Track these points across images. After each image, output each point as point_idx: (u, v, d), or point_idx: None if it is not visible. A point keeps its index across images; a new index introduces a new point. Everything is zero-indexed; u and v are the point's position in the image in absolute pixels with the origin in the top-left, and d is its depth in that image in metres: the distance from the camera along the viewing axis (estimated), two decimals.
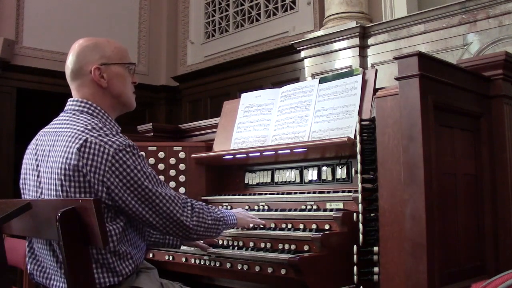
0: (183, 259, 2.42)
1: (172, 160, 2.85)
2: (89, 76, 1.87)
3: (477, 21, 4.10)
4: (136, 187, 1.72)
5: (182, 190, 2.84)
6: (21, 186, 1.93)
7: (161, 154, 2.84)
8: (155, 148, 2.84)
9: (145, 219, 1.77)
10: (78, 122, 1.78)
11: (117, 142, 1.72)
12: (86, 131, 1.73)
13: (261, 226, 2.37)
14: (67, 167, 1.69)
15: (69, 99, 1.91)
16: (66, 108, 1.90)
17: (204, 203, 1.99)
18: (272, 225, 2.36)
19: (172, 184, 2.83)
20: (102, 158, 1.68)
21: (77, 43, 1.93)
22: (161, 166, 2.82)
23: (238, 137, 2.79)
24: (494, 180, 2.15)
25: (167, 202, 1.79)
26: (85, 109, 1.84)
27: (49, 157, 1.77)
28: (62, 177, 1.69)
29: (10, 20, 6.39)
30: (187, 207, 1.86)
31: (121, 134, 1.79)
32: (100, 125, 1.77)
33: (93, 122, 1.78)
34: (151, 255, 2.53)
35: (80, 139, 1.70)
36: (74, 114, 1.84)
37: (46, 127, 1.90)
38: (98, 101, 1.87)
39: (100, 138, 1.71)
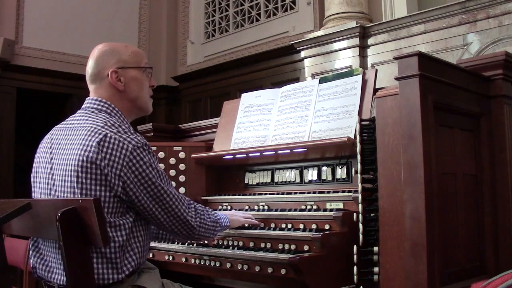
0: (183, 259, 2.42)
1: (172, 160, 2.85)
2: (106, 79, 1.92)
3: (477, 21, 4.10)
4: (150, 184, 1.78)
5: (182, 190, 2.84)
6: (31, 179, 1.96)
7: (161, 154, 2.84)
8: (155, 148, 2.84)
9: (154, 216, 1.82)
10: (97, 119, 1.83)
11: (136, 140, 1.78)
12: (106, 127, 1.78)
13: (256, 225, 2.38)
14: (85, 159, 1.73)
15: (87, 98, 1.96)
16: (84, 106, 1.94)
17: (203, 206, 2.05)
18: (272, 225, 2.36)
19: (172, 184, 2.82)
20: (120, 153, 1.74)
21: (96, 48, 1.97)
22: (161, 166, 2.82)
23: (238, 137, 2.79)
24: (494, 180, 2.15)
25: (176, 201, 1.86)
26: (104, 108, 1.90)
27: (65, 150, 1.81)
28: (79, 169, 1.73)
29: (10, 20, 6.39)
30: (191, 208, 1.94)
31: (138, 133, 1.85)
32: (118, 123, 1.83)
33: (111, 120, 1.84)
34: (151, 255, 2.53)
35: (100, 133, 1.75)
36: (92, 112, 1.89)
37: (61, 123, 1.95)
38: (116, 103, 1.92)
39: (119, 134, 1.77)
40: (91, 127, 1.79)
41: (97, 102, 1.91)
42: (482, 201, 2.13)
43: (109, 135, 1.75)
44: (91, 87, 1.96)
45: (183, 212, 1.88)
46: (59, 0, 6.75)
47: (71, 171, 1.75)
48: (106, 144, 1.73)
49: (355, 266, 1.97)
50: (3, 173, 6.18)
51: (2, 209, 1.67)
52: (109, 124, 1.80)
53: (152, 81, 2.04)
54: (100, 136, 1.74)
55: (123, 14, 7.30)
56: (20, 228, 1.81)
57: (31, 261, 1.89)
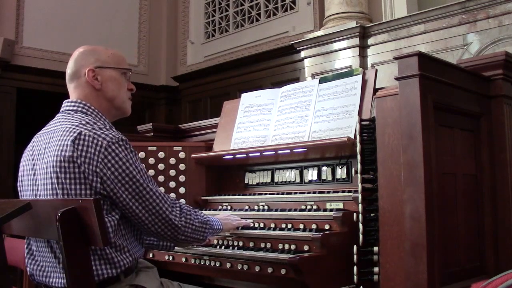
0: (183, 259, 2.42)
1: (172, 160, 2.85)
2: (84, 78, 1.92)
3: (477, 21, 4.10)
4: (128, 180, 1.75)
5: (182, 190, 2.84)
6: (18, 188, 1.95)
7: (161, 154, 2.84)
8: (155, 148, 2.84)
9: (134, 214, 1.78)
10: (72, 119, 1.83)
11: (110, 136, 1.76)
12: (81, 125, 1.78)
13: (248, 225, 2.37)
14: (62, 159, 1.72)
15: (64, 101, 1.95)
16: (61, 109, 1.94)
17: (191, 206, 2.00)
18: (272, 225, 2.36)
19: (172, 184, 2.83)
20: (95, 149, 1.72)
21: (77, 50, 1.97)
22: (161, 166, 2.82)
23: (238, 137, 2.79)
24: (494, 180, 2.15)
25: (157, 198, 1.81)
26: (79, 108, 1.89)
27: (44, 154, 1.81)
28: (58, 169, 1.73)
29: (10, 20, 6.39)
30: (176, 207, 1.88)
31: (114, 129, 1.83)
32: (94, 121, 1.83)
33: (87, 118, 1.84)
34: (151, 255, 2.53)
35: (74, 132, 1.75)
36: (69, 113, 1.89)
37: (42, 129, 1.94)
38: (92, 102, 1.91)
39: (94, 131, 1.76)
40: (66, 127, 1.79)
41: (73, 104, 1.90)
42: (482, 201, 2.13)
43: (83, 132, 1.74)
44: (69, 87, 1.96)
45: (165, 210, 1.81)
46: (59, 0, 6.75)
47: (50, 173, 1.75)
48: (81, 142, 1.72)
49: (355, 266, 1.97)
50: (3, 173, 6.18)
51: (2, 209, 1.67)
52: (83, 122, 1.79)
53: (131, 84, 2.02)
54: (75, 135, 1.74)
55: (123, 14, 7.29)
56: (20, 228, 1.81)
57: (28, 268, 1.88)
